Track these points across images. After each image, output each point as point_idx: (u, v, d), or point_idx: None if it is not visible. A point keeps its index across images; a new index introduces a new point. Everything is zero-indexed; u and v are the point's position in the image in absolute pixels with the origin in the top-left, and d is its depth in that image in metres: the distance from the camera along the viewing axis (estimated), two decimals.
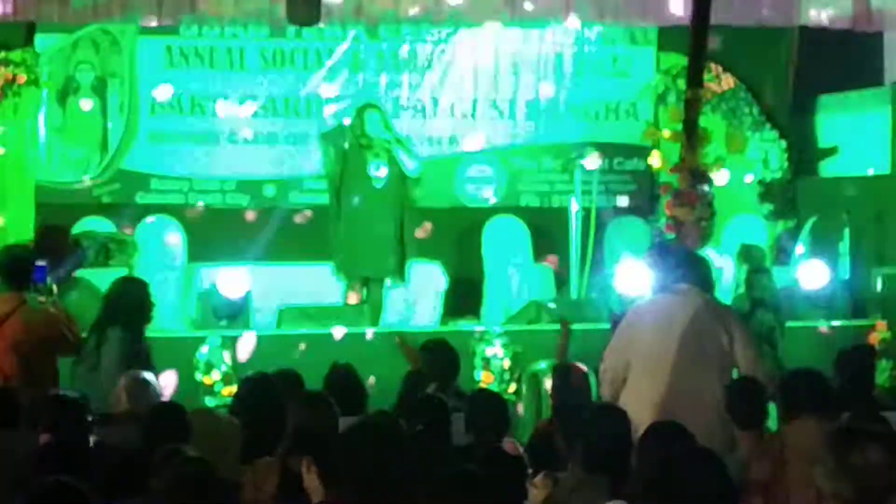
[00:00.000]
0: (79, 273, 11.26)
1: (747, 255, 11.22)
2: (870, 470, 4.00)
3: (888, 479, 4.01)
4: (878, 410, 6.68)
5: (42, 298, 8.25)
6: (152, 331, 11.07)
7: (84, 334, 8.33)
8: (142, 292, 8.50)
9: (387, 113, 11.88)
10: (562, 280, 12.53)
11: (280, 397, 6.79)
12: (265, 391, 7.09)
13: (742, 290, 10.62)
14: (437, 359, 8.07)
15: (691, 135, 7.64)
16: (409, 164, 11.46)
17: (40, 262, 8.28)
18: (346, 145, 11.43)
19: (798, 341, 10.46)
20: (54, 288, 8.45)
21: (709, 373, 7.30)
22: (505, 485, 5.29)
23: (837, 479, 4.02)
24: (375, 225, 11.38)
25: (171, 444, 5.57)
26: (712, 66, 12.86)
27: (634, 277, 9.25)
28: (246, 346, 10.09)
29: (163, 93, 13.03)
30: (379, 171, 11.38)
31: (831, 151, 13.59)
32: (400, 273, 11.52)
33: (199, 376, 10.02)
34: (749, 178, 13.49)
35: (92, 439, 6.30)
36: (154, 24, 12.29)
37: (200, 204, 13.10)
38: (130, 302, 8.41)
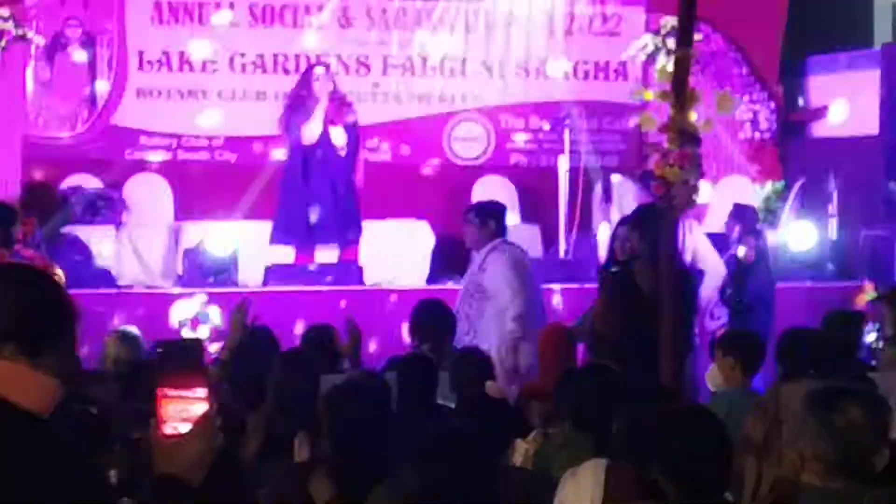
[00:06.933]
0: (66, 229, 11.27)
1: (740, 215, 11.12)
2: (852, 430, 3.95)
3: (870, 438, 3.97)
4: (863, 371, 6.70)
5: (29, 252, 8.23)
6: (138, 287, 11.10)
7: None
8: None
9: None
10: (550, 239, 12.51)
11: (267, 353, 6.79)
12: (252, 347, 7.07)
13: (735, 250, 10.60)
14: (432, 318, 7.90)
15: (680, 95, 7.59)
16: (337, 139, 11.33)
17: None
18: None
19: (786, 301, 10.50)
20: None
21: None
22: (488, 431, 5.28)
23: (820, 440, 3.98)
24: (315, 195, 11.30)
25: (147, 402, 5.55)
26: (702, 26, 12.82)
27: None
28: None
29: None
30: (314, 140, 11.26)
31: (820, 112, 13.58)
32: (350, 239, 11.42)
33: (186, 333, 10.04)
34: (738, 138, 13.49)
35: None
36: None
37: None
38: None
